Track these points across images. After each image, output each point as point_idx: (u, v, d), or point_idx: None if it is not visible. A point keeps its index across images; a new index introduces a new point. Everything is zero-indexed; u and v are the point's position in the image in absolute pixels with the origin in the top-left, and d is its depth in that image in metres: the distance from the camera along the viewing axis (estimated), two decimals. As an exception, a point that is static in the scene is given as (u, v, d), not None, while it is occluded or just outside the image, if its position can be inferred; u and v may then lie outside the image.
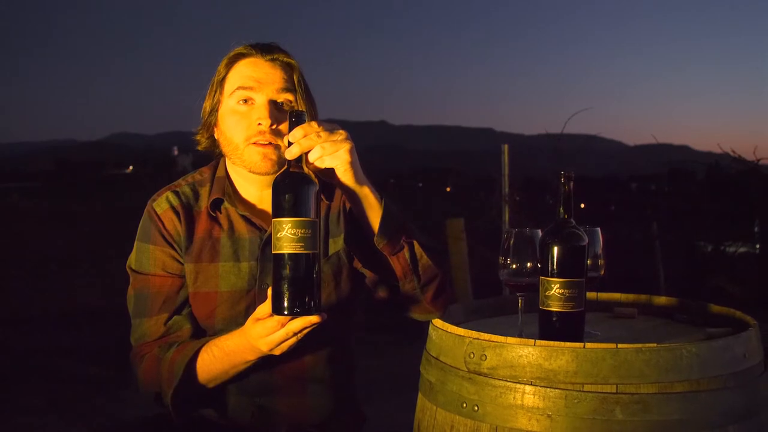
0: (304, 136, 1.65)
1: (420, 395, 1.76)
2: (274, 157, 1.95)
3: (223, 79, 2.00)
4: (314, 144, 1.65)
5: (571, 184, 1.68)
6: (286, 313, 1.60)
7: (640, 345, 1.50)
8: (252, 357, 1.84)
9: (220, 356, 1.89)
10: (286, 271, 1.59)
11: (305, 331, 1.69)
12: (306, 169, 1.67)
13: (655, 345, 1.50)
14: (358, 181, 1.74)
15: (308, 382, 2.05)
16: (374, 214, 1.80)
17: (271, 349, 1.75)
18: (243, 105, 1.96)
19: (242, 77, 1.97)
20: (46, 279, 11.50)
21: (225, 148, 2.01)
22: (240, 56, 2.00)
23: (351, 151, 1.69)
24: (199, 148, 2.09)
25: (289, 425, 2.05)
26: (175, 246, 2.01)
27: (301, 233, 1.57)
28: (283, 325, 1.68)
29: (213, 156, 2.14)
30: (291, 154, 1.64)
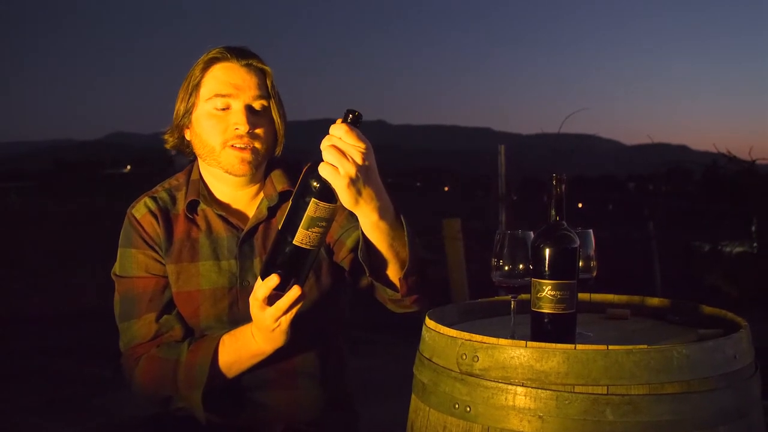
0: (331, 137, 1.64)
1: (413, 396, 1.77)
2: (250, 158, 2.01)
3: (199, 83, 2.04)
4: (324, 147, 1.64)
5: (563, 186, 1.69)
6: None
7: (630, 346, 1.51)
8: (262, 342, 1.90)
9: (235, 347, 1.95)
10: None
11: (294, 308, 1.79)
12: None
13: (645, 346, 1.51)
14: (356, 204, 1.68)
15: (298, 376, 2.09)
16: (387, 244, 1.80)
17: (273, 329, 1.82)
18: (220, 110, 2.01)
19: (219, 83, 2.01)
20: (44, 278, 11.48)
21: (200, 150, 2.06)
22: (215, 60, 2.04)
23: (350, 176, 1.62)
24: (167, 146, 2.15)
25: (286, 424, 2.07)
26: (156, 248, 2.07)
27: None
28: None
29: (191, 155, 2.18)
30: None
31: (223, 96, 2.00)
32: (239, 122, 1.99)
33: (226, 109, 2.01)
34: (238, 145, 2.00)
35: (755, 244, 7.99)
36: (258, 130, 2.02)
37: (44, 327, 8.17)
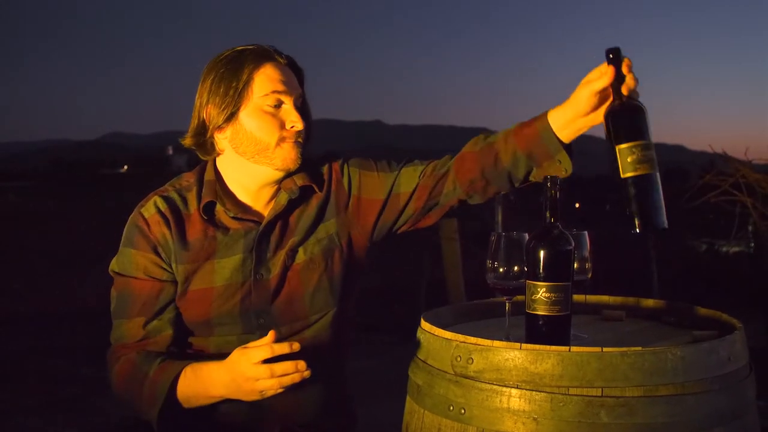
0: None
1: (408, 398, 1.77)
2: (301, 152, 2.06)
3: (249, 81, 2.02)
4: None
5: (558, 188, 1.69)
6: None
7: (625, 348, 1.51)
8: (221, 391, 1.90)
9: (194, 382, 1.94)
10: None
11: (289, 378, 1.78)
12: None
13: (640, 348, 1.51)
14: None
15: None
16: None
17: (253, 388, 1.82)
18: (272, 107, 2.02)
19: (273, 81, 2.02)
20: (42, 278, 11.47)
21: (247, 147, 2.04)
22: (264, 59, 2.04)
23: None
24: (186, 144, 2.12)
25: (282, 425, 2.07)
26: (160, 251, 2.05)
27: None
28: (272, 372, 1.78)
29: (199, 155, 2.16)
30: (628, 87, 1.75)
31: (279, 93, 2.02)
32: (296, 119, 2.02)
33: (277, 106, 2.03)
34: (291, 141, 2.03)
35: (752, 244, 8.00)
36: (305, 127, 2.06)
37: (42, 327, 8.16)
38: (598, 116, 1.82)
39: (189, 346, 2.10)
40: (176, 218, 2.06)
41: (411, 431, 1.72)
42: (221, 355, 1.97)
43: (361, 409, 2.28)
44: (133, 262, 2.05)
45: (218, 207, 2.07)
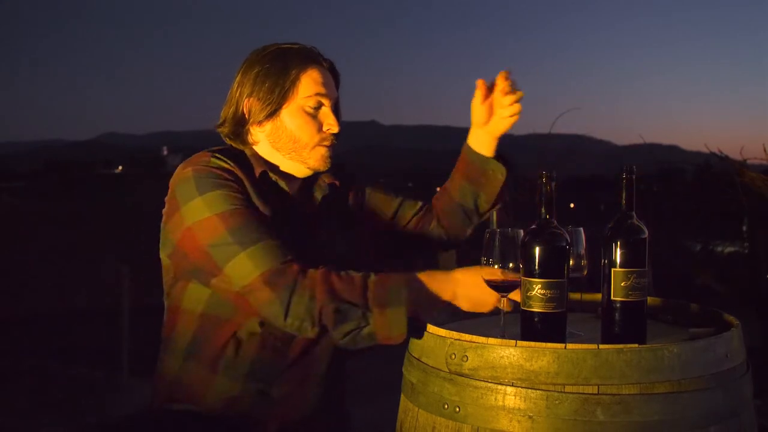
0: None
1: (402, 396, 1.76)
2: (332, 155, 2.14)
3: (296, 81, 2.07)
4: None
5: (553, 184, 1.68)
6: None
7: (621, 346, 1.50)
8: (462, 290, 1.90)
9: (431, 282, 1.93)
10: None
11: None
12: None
13: (636, 345, 1.51)
14: None
15: (310, 376, 2.06)
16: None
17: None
18: (313, 109, 2.09)
19: (318, 84, 2.09)
20: (36, 279, 11.45)
21: (284, 143, 2.09)
22: (310, 61, 2.10)
23: None
24: (223, 132, 2.12)
25: (280, 423, 2.05)
26: (244, 191, 1.98)
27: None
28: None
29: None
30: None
31: (321, 96, 2.08)
32: (333, 123, 2.10)
33: (317, 108, 2.09)
34: (327, 144, 2.10)
35: (746, 244, 8.01)
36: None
37: (36, 328, 8.15)
38: (497, 124, 2.17)
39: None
40: (238, 172, 2.01)
41: (405, 430, 1.70)
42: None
43: (356, 408, 2.27)
44: (230, 197, 1.93)
45: (272, 175, 2.08)
